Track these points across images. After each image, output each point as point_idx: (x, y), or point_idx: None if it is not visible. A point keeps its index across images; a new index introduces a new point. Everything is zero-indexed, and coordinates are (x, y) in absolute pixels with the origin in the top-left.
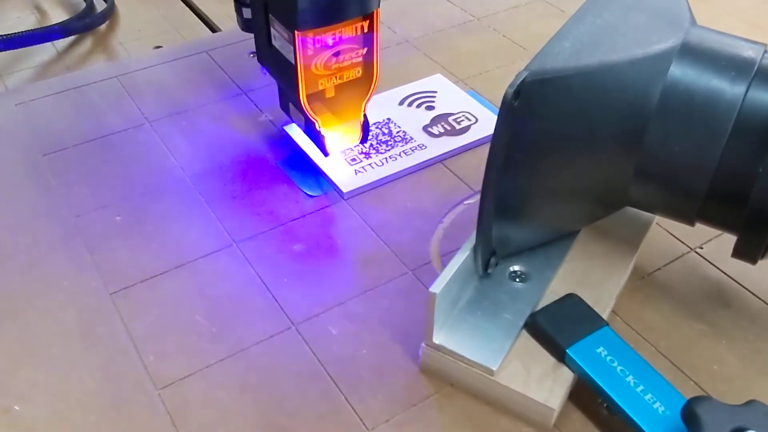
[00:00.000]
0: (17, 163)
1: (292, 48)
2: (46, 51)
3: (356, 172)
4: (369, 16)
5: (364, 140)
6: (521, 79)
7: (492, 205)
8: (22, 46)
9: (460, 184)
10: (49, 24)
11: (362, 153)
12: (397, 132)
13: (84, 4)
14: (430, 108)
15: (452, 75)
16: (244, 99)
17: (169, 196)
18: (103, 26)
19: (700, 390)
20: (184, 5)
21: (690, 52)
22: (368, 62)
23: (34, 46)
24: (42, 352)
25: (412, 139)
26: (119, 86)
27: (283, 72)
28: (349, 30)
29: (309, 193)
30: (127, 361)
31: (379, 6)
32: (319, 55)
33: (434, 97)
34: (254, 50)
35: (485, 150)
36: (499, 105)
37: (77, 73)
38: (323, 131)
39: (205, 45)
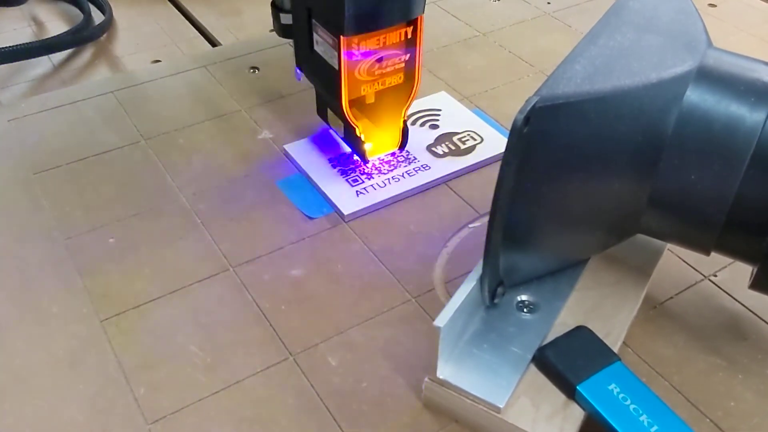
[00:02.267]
0: (8, 182)
1: (336, 53)
2: (41, 64)
3: (358, 193)
4: (413, 22)
5: (402, 147)
6: (531, 105)
7: (500, 233)
8: (18, 60)
9: (464, 206)
10: (46, 36)
11: (364, 174)
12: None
13: (82, 17)
14: (434, 127)
15: (457, 92)
16: (243, 116)
17: (165, 217)
18: (100, 39)
19: (716, 429)
20: (183, 18)
21: (707, 76)
22: (410, 68)
23: (30, 60)
24: (29, 383)
25: (415, 159)
26: (115, 102)
27: (325, 77)
28: (394, 36)
29: (309, 215)
30: (117, 393)
31: (423, 12)
32: (363, 60)
33: (438, 115)
34: (254, 66)
35: (491, 171)
36: (505, 123)
37: (72, 88)
38: (363, 137)
39: (204, 60)
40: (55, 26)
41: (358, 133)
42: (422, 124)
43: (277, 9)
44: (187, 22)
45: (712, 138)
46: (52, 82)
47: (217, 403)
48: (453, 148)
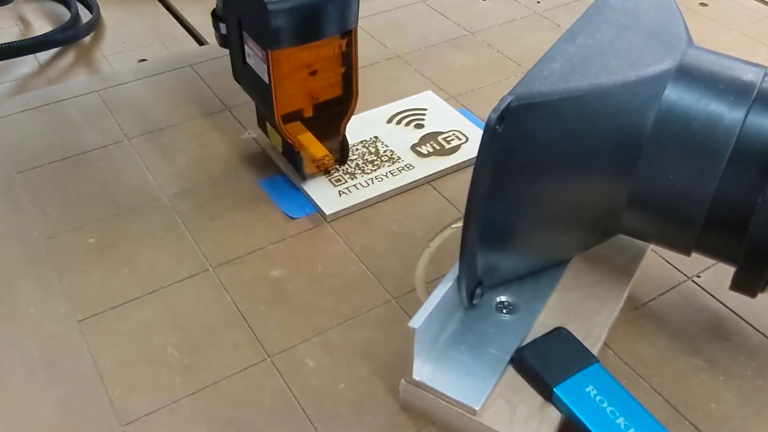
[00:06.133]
0: None
1: (266, 67)
2: (28, 63)
3: (340, 193)
4: (347, 35)
5: (343, 162)
6: (506, 103)
7: (476, 233)
8: (4, 59)
9: (448, 206)
10: (33, 35)
11: (347, 173)
12: (384, 151)
13: (69, 15)
14: (419, 126)
15: (443, 92)
16: (227, 115)
17: (145, 217)
18: (87, 38)
19: (695, 431)
20: (171, 17)
21: (686, 75)
22: (347, 81)
23: (16, 59)
24: (2, 383)
25: (399, 158)
26: (100, 101)
27: (258, 91)
28: (326, 49)
29: (291, 215)
30: (92, 395)
31: (357, 24)
32: (294, 74)
33: (424, 115)
34: None
35: None
36: None
37: (56, 88)
38: (301, 153)
39: (190, 59)
40: (42, 25)
41: (295, 149)
42: (407, 124)
43: (217, 18)
44: (174, 20)
45: (691, 136)
46: (38, 81)
47: (193, 404)
48: (438, 147)
